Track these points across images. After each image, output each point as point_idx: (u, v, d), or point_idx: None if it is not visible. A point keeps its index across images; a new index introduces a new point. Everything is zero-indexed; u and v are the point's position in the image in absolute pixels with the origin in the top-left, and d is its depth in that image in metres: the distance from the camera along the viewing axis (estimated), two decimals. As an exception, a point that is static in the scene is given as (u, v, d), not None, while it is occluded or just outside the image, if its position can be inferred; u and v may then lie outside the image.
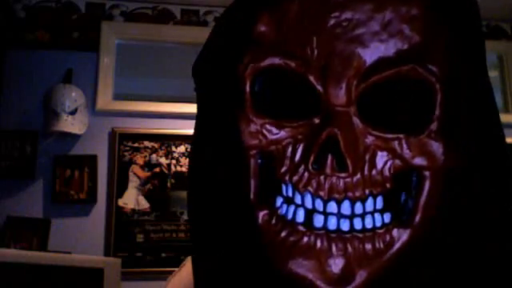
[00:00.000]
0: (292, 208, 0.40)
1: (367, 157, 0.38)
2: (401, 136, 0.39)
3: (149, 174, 2.61)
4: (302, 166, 0.39)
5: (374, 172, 0.39)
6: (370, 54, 0.38)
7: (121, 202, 2.55)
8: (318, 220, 0.39)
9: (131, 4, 2.80)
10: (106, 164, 2.58)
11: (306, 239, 0.39)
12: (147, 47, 2.94)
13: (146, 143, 2.64)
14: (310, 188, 0.39)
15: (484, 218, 0.41)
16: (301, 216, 0.39)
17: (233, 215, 0.42)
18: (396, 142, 0.39)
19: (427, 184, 0.39)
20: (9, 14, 2.67)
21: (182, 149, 2.65)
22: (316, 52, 0.39)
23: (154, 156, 2.63)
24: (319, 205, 0.39)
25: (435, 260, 0.40)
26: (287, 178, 0.40)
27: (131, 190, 2.58)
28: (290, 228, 0.39)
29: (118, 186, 2.56)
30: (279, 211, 0.40)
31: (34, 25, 2.69)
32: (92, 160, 2.55)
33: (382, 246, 0.39)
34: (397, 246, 0.39)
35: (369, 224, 0.39)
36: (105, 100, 2.64)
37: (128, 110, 2.67)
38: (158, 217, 2.57)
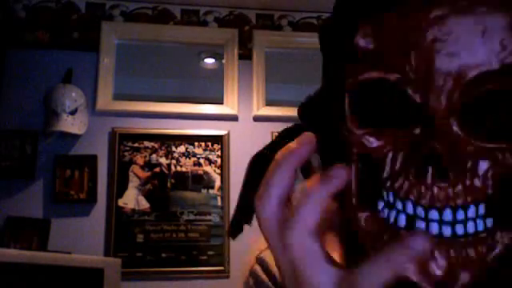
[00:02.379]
0: (393, 213, 0.41)
1: (469, 166, 0.39)
2: (503, 145, 0.39)
3: (149, 173, 2.61)
4: (403, 175, 0.40)
5: (475, 180, 0.39)
6: (471, 67, 0.38)
7: (121, 202, 2.55)
8: (420, 226, 0.40)
9: (131, 4, 2.81)
10: (106, 164, 2.58)
11: None
12: (147, 47, 2.94)
13: (146, 143, 2.64)
14: (411, 196, 0.40)
15: None
16: (402, 221, 0.40)
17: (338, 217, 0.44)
18: (498, 151, 0.39)
19: None
20: (9, 13, 2.67)
21: (182, 149, 2.65)
22: (415, 66, 0.39)
23: (154, 156, 2.63)
24: (420, 212, 0.40)
25: None
26: (388, 184, 0.41)
27: (131, 189, 2.58)
28: (392, 231, 0.41)
29: (118, 186, 2.56)
30: (380, 214, 0.42)
31: (34, 25, 2.69)
32: (92, 160, 2.55)
33: (484, 249, 0.39)
34: (499, 248, 0.40)
35: (471, 229, 0.40)
36: (105, 100, 2.64)
37: (128, 110, 2.67)
38: (158, 217, 2.57)
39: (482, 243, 0.40)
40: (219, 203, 2.62)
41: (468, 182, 0.39)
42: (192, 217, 2.60)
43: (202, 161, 2.66)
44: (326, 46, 0.49)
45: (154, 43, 2.87)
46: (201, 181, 2.65)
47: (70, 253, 2.19)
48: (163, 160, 2.63)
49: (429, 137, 0.38)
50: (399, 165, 0.40)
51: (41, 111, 2.54)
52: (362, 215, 0.42)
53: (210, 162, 2.66)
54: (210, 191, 2.64)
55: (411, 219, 0.40)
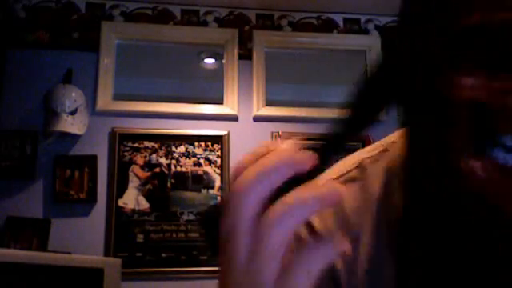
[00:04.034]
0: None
1: None
2: None
3: (149, 173, 2.61)
4: None
5: None
6: None
7: (121, 202, 2.55)
8: None
9: (131, 4, 2.81)
10: (106, 164, 2.58)
11: None
12: (147, 47, 2.94)
13: (146, 143, 2.64)
14: None
15: None
16: None
17: (447, 168, 0.43)
18: None
19: None
20: (9, 13, 2.67)
21: (181, 149, 2.65)
22: None
23: (154, 156, 2.63)
24: None
25: None
26: (505, 127, 0.40)
27: (131, 190, 2.58)
28: None
29: (118, 186, 2.56)
30: (498, 161, 0.41)
31: (34, 25, 2.69)
32: (92, 160, 2.55)
33: None
34: None
35: None
36: (105, 100, 2.64)
37: (128, 110, 2.67)
38: (158, 217, 2.57)
39: None
40: (219, 203, 2.62)
41: None
42: (192, 217, 2.60)
43: (202, 161, 2.66)
44: None
45: (154, 43, 2.87)
46: (201, 181, 2.65)
47: (69, 253, 2.19)
48: (163, 160, 2.63)
49: None
50: None
51: (41, 111, 2.54)
52: (477, 164, 0.41)
53: (210, 162, 2.67)
54: (210, 191, 2.64)
55: None
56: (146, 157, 2.62)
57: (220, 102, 2.76)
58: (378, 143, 0.59)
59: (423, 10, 0.46)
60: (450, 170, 0.42)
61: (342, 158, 0.59)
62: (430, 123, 0.44)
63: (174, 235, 2.56)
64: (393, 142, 0.57)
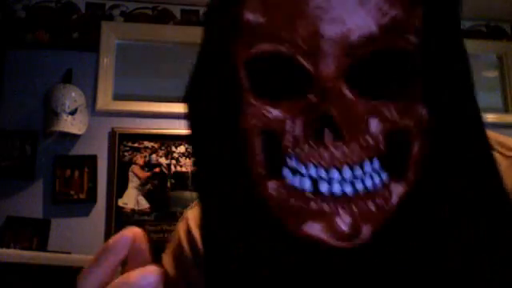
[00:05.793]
0: (298, 177, 0.43)
1: (360, 124, 0.42)
2: (389, 102, 0.42)
3: (149, 174, 2.61)
4: (303, 140, 0.43)
5: (368, 137, 0.42)
6: (352, 30, 0.41)
7: (121, 202, 2.55)
8: (323, 186, 0.43)
9: (131, 4, 2.81)
10: (106, 164, 2.57)
11: (314, 204, 0.42)
12: (147, 47, 2.94)
13: (146, 143, 2.64)
14: (312, 159, 0.42)
15: (463, 166, 0.44)
16: (307, 184, 0.43)
17: (244, 190, 0.46)
18: (385, 108, 0.42)
19: (415, 142, 0.43)
20: (9, 13, 2.67)
21: (182, 149, 2.65)
22: (302, 35, 0.41)
23: (153, 156, 2.63)
24: (322, 173, 0.42)
25: (430, 209, 0.43)
26: (291, 151, 0.43)
27: (131, 190, 2.58)
28: (300, 195, 0.43)
29: (118, 186, 2.56)
30: (287, 181, 0.44)
31: (34, 25, 2.69)
32: (92, 160, 2.55)
33: (382, 201, 0.42)
34: (394, 198, 0.43)
35: (369, 184, 0.43)
36: (105, 100, 2.64)
37: (128, 110, 2.67)
38: (158, 217, 2.57)
39: (380, 196, 0.43)
40: (219, 203, 2.62)
41: (362, 140, 0.42)
42: (192, 217, 2.60)
43: (201, 161, 2.66)
44: (212, 23, 0.50)
45: (154, 43, 2.87)
46: (201, 181, 2.65)
47: (69, 253, 2.19)
48: (163, 160, 2.63)
49: (322, 101, 0.41)
50: (298, 131, 0.43)
51: (41, 111, 2.54)
52: (270, 184, 0.44)
53: (210, 162, 2.66)
54: (210, 191, 2.64)
55: (315, 181, 0.43)
56: (145, 157, 2.62)
57: (220, 101, 2.76)
58: None
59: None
60: (253, 194, 0.46)
61: None
62: (227, 152, 0.47)
63: (174, 235, 2.56)
64: None
